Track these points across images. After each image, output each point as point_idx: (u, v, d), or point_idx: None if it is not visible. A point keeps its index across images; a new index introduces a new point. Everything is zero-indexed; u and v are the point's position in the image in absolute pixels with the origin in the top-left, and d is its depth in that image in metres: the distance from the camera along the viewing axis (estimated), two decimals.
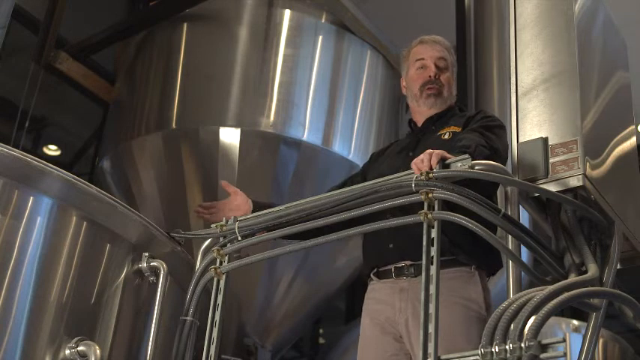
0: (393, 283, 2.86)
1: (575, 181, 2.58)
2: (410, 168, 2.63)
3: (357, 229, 2.71)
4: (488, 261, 2.83)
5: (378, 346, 2.85)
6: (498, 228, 2.55)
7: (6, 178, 2.61)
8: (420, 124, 3.14)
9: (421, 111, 3.14)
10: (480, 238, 2.43)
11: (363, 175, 3.18)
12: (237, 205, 3.18)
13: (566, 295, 2.23)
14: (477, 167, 2.52)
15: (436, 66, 3.11)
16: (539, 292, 2.20)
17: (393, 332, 2.82)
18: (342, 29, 5.35)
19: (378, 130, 5.43)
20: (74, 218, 2.74)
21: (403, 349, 2.80)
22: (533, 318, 2.13)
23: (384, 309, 2.85)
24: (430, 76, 3.10)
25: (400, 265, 2.84)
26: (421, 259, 2.63)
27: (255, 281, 4.90)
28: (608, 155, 2.83)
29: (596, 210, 2.63)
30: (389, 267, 2.87)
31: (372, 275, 2.95)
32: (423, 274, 2.37)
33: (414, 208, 2.55)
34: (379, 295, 2.89)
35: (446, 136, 2.96)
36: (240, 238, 2.90)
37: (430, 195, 2.46)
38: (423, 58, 3.15)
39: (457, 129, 2.97)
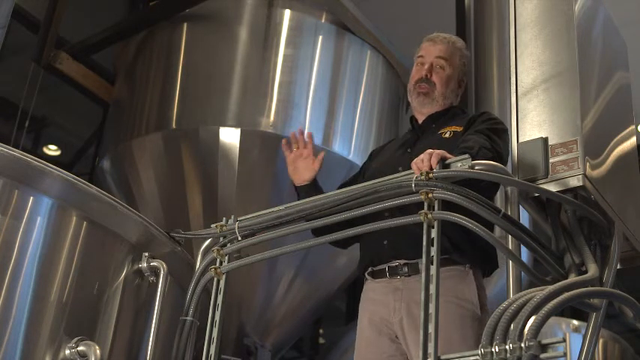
0: (387, 283, 2.85)
1: (575, 181, 2.58)
2: (407, 165, 2.64)
3: (357, 229, 2.71)
4: (483, 260, 2.83)
5: (374, 348, 2.84)
6: (498, 228, 2.55)
7: (6, 178, 2.61)
8: (420, 122, 3.14)
9: (418, 109, 3.14)
10: (475, 237, 2.43)
11: (363, 174, 3.17)
12: (306, 167, 3.15)
13: (566, 295, 2.23)
14: (477, 167, 2.52)
15: (432, 65, 3.09)
16: (539, 292, 2.20)
17: (388, 333, 2.81)
18: (342, 29, 5.35)
19: (378, 130, 5.43)
20: (74, 218, 2.74)
21: (399, 349, 2.79)
22: (533, 318, 2.13)
23: (379, 309, 2.84)
24: (422, 75, 3.09)
25: (394, 264, 2.83)
26: (416, 259, 2.65)
27: (255, 281, 4.90)
28: (608, 155, 2.83)
29: (596, 210, 2.63)
30: (383, 266, 2.86)
31: (366, 275, 2.95)
32: (423, 274, 2.37)
33: (412, 208, 2.55)
34: (374, 295, 2.89)
35: (447, 135, 2.96)
36: (240, 238, 2.90)
37: (430, 195, 2.46)
38: (422, 56, 3.14)
39: (459, 128, 2.96)
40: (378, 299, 2.86)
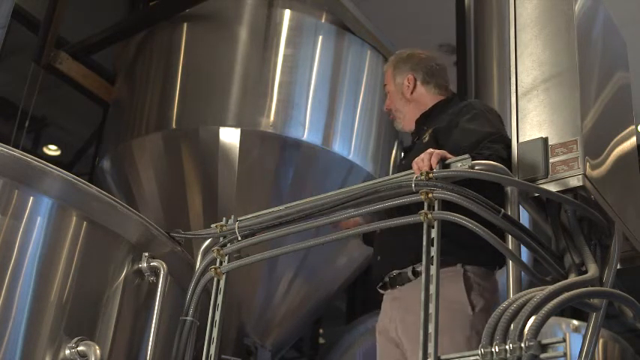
0: (389, 294, 2.93)
1: (575, 181, 2.58)
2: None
3: (357, 229, 2.74)
4: (480, 258, 2.82)
5: (385, 355, 2.92)
6: None
7: (6, 178, 2.61)
8: (414, 129, 3.20)
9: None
10: (469, 237, 2.43)
11: None
12: None
13: (566, 295, 2.23)
14: (476, 167, 2.52)
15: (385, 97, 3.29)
16: (539, 292, 2.20)
17: (393, 339, 2.88)
18: (342, 29, 5.34)
19: (378, 130, 5.42)
20: (74, 218, 2.74)
21: (403, 354, 2.83)
22: (533, 318, 2.13)
23: (384, 319, 2.93)
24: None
25: (392, 275, 2.89)
26: (406, 267, 2.76)
27: (255, 281, 4.90)
28: (608, 155, 2.83)
29: (596, 210, 2.63)
30: (386, 279, 2.93)
31: (378, 288, 3.01)
32: (423, 274, 2.38)
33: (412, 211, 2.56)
34: (383, 307, 2.98)
35: (426, 139, 2.97)
36: (240, 238, 2.90)
37: (430, 195, 2.46)
38: None
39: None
40: (384, 309, 2.95)
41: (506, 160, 2.71)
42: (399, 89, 3.21)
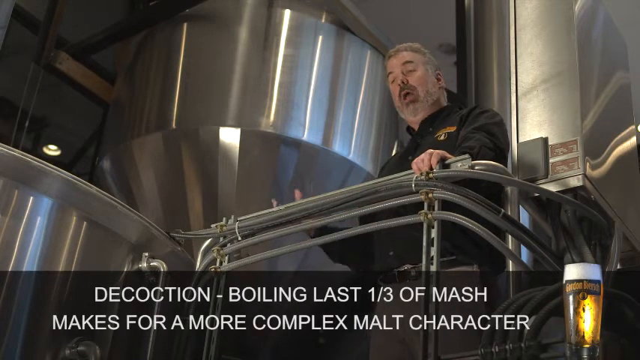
0: (396, 287, 2.87)
1: (575, 181, 2.58)
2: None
3: (356, 229, 2.72)
4: (491, 259, 2.82)
5: (385, 352, 2.87)
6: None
7: (6, 178, 2.61)
8: (417, 129, 3.16)
9: (411, 120, 3.17)
10: (479, 237, 2.43)
11: None
12: None
13: None
14: (477, 167, 2.52)
15: (403, 72, 3.13)
16: (539, 292, 2.20)
17: (397, 335, 2.83)
18: (342, 29, 5.35)
19: (378, 130, 5.43)
20: (74, 218, 2.74)
21: (407, 351, 2.81)
22: (533, 318, 2.13)
23: (389, 313, 2.87)
24: (399, 85, 3.13)
25: (402, 269, 2.85)
26: (420, 262, 2.66)
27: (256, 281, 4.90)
28: (608, 155, 2.83)
29: (596, 210, 2.63)
30: (393, 272, 2.89)
31: (378, 281, 2.97)
32: (424, 274, 2.38)
33: (413, 210, 2.56)
34: (384, 300, 2.91)
35: (441, 138, 2.96)
36: (240, 238, 2.90)
37: (430, 195, 2.46)
38: (391, 72, 3.19)
39: (452, 129, 2.97)
40: (388, 303, 2.87)
41: (493, 149, 2.72)
42: (432, 77, 3.17)
